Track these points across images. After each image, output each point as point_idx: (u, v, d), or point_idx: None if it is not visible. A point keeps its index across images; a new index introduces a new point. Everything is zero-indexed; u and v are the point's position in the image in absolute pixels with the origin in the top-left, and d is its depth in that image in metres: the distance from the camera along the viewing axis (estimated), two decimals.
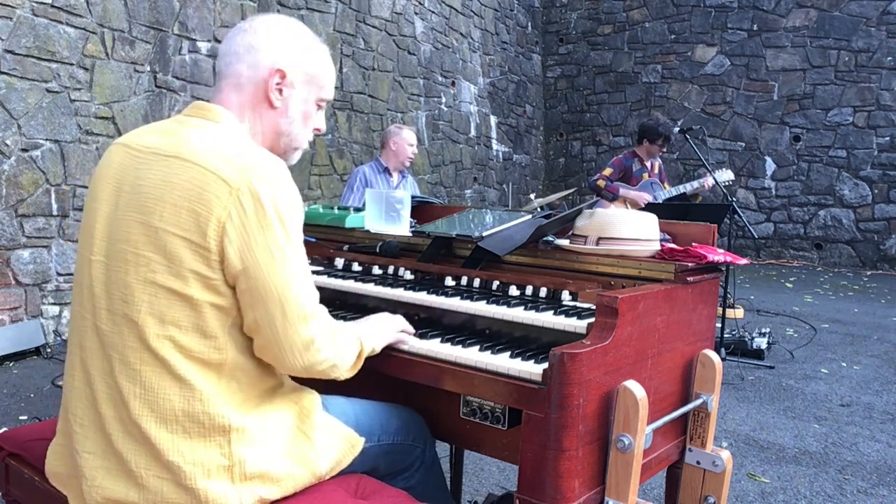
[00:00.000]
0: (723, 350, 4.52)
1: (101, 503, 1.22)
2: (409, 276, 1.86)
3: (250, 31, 1.35)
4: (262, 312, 1.19)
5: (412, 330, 1.52)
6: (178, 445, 1.19)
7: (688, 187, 5.33)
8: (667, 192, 5.32)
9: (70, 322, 1.34)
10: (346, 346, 1.33)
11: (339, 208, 2.41)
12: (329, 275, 1.91)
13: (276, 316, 1.19)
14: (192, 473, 1.18)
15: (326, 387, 1.46)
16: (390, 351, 1.47)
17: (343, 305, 1.81)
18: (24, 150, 4.40)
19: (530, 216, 1.96)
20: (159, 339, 1.18)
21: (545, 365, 1.26)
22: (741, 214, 4.59)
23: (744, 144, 9.97)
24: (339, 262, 2.02)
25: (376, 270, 1.92)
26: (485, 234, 1.83)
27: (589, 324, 1.38)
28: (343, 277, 1.88)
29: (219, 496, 1.19)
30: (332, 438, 1.36)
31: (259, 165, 1.20)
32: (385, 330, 1.46)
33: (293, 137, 1.41)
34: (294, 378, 1.41)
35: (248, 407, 1.26)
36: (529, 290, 1.64)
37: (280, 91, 1.35)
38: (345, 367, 1.33)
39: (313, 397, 1.38)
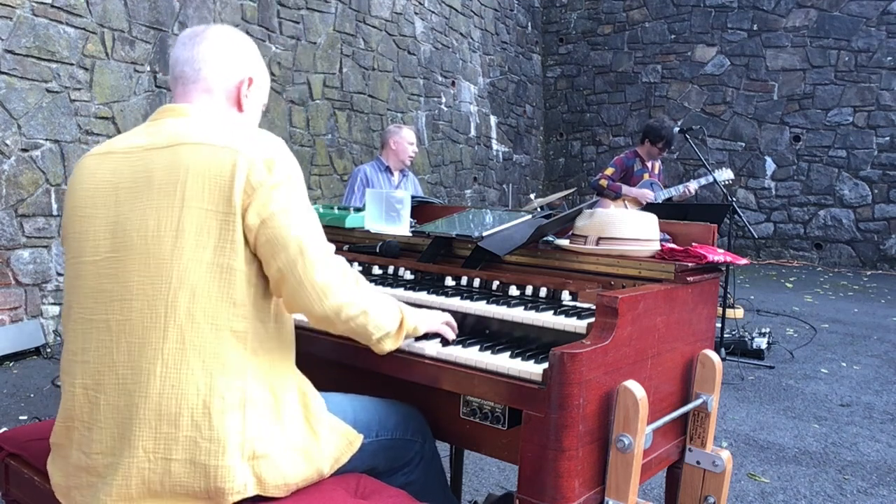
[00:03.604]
0: (723, 350, 4.51)
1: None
2: (409, 276, 1.86)
3: (214, 39, 1.40)
4: (284, 259, 1.23)
5: (455, 329, 1.53)
6: (197, 420, 1.20)
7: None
8: (664, 192, 5.33)
9: (65, 333, 1.34)
10: (379, 300, 1.35)
11: (339, 208, 2.41)
12: None
13: (297, 259, 1.24)
14: (208, 449, 1.19)
15: (325, 384, 1.47)
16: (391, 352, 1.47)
17: None
18: (24, 150, 4.40)
19: (530, 216, 1.96)
20: (189, 312, 1.20)
21: (545, 365, 1.26)
22: (741, 214, 4.60)
23: (744, 144, 9.97)
24: None
25: (376, 270, 1.92)
26: (485, 234, 1.83)
27: (589, 324, 1.38)
28: None
29: (226, 473, 1.20)
30: (332, 435, 1.37)
31: (265, 137, 1.28)
32: (429, 316, 1.49)
33: None
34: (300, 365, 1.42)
35: (266, 382, 1.28)
36: (529, 290, 1.64)
37: (246, 96, 1.44)
38: (381, 324, 1.34)
39: (316, 393, 1.39)
